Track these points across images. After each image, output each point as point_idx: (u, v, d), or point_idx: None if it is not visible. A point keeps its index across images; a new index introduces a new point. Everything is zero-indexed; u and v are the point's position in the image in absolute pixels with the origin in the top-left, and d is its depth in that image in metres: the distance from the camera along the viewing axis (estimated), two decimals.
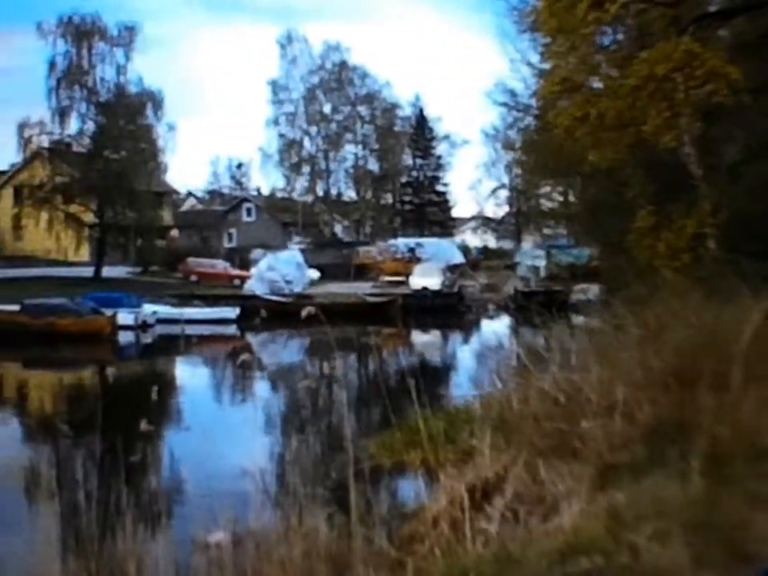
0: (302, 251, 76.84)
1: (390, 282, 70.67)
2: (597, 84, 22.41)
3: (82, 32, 71.42)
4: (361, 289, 67.08)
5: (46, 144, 74.19)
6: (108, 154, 72.71)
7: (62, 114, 71.74)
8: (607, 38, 23.03)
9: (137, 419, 9.04)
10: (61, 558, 8.26)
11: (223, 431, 24.46)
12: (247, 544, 8.39)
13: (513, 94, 63.02)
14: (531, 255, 79.45)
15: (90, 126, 73.87)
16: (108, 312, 50.35)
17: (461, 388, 26.85)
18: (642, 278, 20.74)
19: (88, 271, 73.78)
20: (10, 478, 12.50)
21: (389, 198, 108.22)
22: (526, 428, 11.02)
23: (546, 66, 28.53)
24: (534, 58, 43.42)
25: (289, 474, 9.57)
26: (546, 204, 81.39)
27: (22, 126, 70.33)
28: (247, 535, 8.55)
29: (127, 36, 72.56)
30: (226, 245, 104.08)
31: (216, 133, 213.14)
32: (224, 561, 8.03)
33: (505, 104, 68.15)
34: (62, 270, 75.13)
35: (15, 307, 50.60)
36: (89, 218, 75.30)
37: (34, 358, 44.93)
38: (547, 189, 73.90)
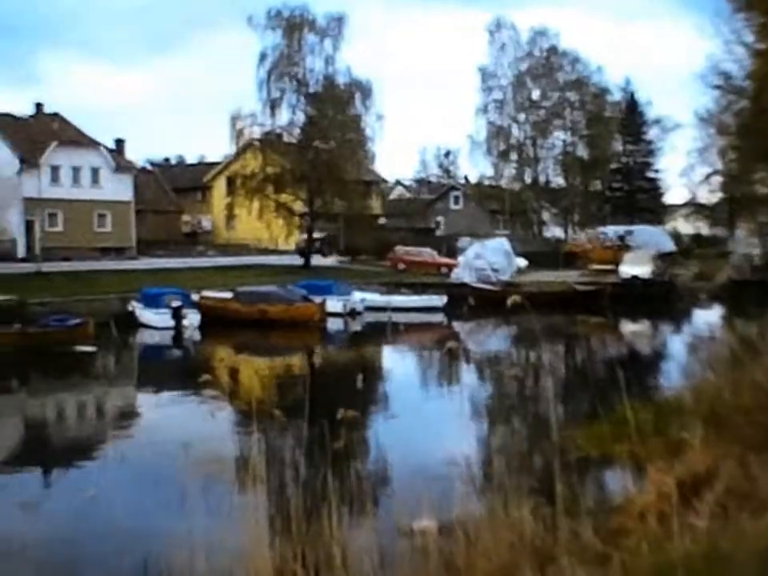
0: (510, 239, 76.08)
1: (599, 271, 69.57)
2: None
3: (291, 24, 72.50)
4: (569, 277, 66.32)
5: (257, 135, 75.72)
6: (318, 144, 73.70)
7: (272, 105, 73.02)
8: None
9: (344, 405, 9.10)
10: (269, 540, 8.39)
11: (429, 419, 24.57)
12: (452, 532, 8.37)
13: (727, 76, 61.34)
14: (745, 243, 77.10)
15: (300, 116, 75.06)
16: (317, 299, 51.11)
17: (670, 379, 26.31)
18: None
19: (298, 259, 75.20)
20: (223, 461, 12.80)
21: (598, 185, 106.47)
22: (738, 421, 10.69)
23: (762, 46, 27.56)
24: (750, 39, 42.14)
25: (494, 463, 9.51)
26: (762, 190, 78.76)
27: (234, 118, 71.97)
28: (452, 523, 8.52)
29: (335, 26, 73.34)
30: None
31: (425, 121, 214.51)
32: (429, 548, 8.03)
33: (718, 86, 66.30)
34: (272, 258, 76.87)
35: (228, 294, 51.97)
36: (299, 207, 76.62)
37: (245, 343, 46.03)
38: (763, 174, 71.42)
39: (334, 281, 58.33)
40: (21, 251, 75.59)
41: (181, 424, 24.68)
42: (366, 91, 73.52)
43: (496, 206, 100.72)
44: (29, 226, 76.97)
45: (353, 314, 55.12)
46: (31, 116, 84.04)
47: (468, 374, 37.32)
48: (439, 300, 57.72)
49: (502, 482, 8.89)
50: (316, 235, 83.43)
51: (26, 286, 49.39)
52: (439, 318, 56.57)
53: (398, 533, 8.65)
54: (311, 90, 73.94)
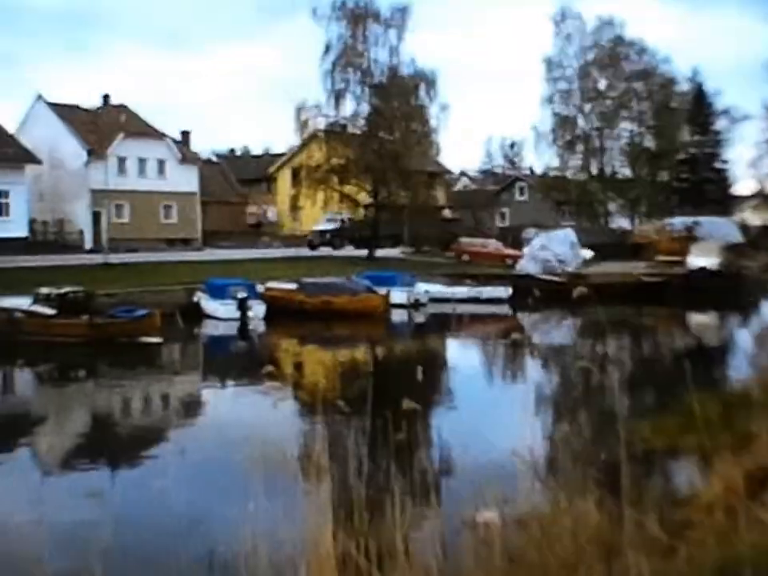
0: (575, 230, 75.44)
1: (666, 262, 68.81)
2: None
3: (356, 15, 72.56)
4: (635, 269, 65.72)
5: (322, 126, 75.86)
6: (382, 135, 73.69)
7: (337, 96, 73.10)
8: None
9: (408, 396, 9.06)
10: (332, 531, 8.37)
11: (493, 410, 24.50)
12: (516, 524, 8.31)
13: None
14: None
15: (365, 107, 74.98)
16: (381, 290, 51.13)
17: (739, 371, 26.01)
18: None
19: (362, 250, 75.29)
20: (286, 452, 12.81)
21: (665, 176, 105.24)
22: None
23: None
24: None
25: (559, 455, 9.44)
26: None
27: (299, 109, 72.16)
28: (516, 515, 8.47)
29: (400, 17, 73.25)
30: (498, 224, 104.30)
31: (490, 112, 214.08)
32: (492, 540, 7.97)
33: None
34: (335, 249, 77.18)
35: (293, 285, 52.14)
36: (363, 197, 76.71)
37: (309, 334, 46.17)
38: None
39: (397, 272, 58.32)
40: (88, 243, 76.47)
41: (245, 415, 24.81)
42: (430, 82, 73.38)
43: (561, 197, 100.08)
44: (96, 218, 77.87)
45: (417, 305, 55.10)
46: (98, 108, 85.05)
47: (532, 365, 37.18)
48: (504, 291, 57.52)
49: (567, 473, 8.83)
50: (326, 227, 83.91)
51: (94, 278, 49.84)
52: (504, 309, 56.38)
53: (461, 525, 8.60)
54: (376, 81, 73.84)
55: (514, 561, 7.75)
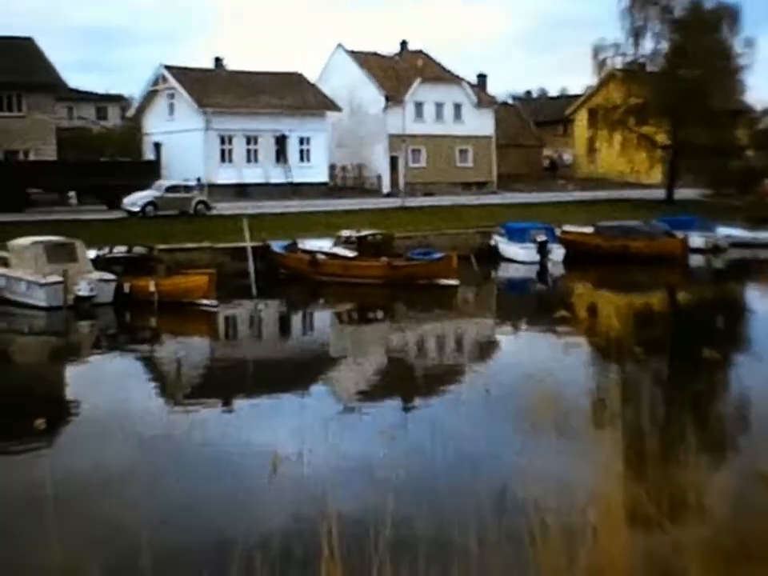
0: None
1: None
2: None
3: None
4: None
5: (619, 66, 74.45)
6: (683, 74, 71.57)
7: (636, 34, 71.31)
8: None
9: (706, 345, 8.88)
10: (622, 478, 8.31)
11: None
12: None
13: None
14: None
15: (664, 45, 72.93)
16: (680, 235, 49.96)
17: None
18: None
19: (659, 193, 73.67)
20: (578, 396, 12.81)
21: None
22: None
23: None
24: None
25: None
26: None
27: (596, 49, 71.00)
28: None
29: None
30: None
31: None
32: None
33: None
34: (633, 192, 75.65)
35: (589, 229, 51.62)
36: (662, 139, 74.84)
37: (605, 278, 45.66)
38: None
39: (696, 216, 56.68)
40: (385, 187, 78.04)
41: (538, 357, 24.81)
42: (733, 15, 70.72)
43: None
44: (393, 162, 79.29)
45: (716, 250, 53.46)
46: (396, 54, 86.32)
47: None
48: None
49: None
50: None
51: (391, 221, 50.84)
52: None
53: (756, 479, 8.39)
54: (676, 17, 71.67)
55: None
